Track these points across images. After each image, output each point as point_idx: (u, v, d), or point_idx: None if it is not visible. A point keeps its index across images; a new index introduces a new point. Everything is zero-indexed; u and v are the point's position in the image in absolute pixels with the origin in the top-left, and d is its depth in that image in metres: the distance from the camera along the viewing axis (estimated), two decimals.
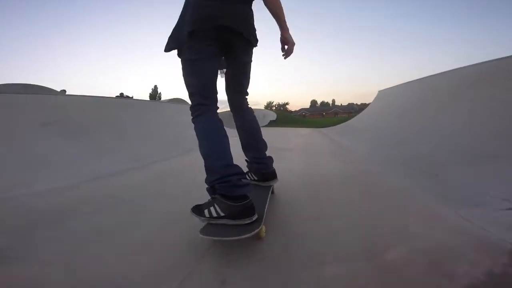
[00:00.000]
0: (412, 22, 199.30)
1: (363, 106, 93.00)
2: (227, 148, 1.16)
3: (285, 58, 1.46)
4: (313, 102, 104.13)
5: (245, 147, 1.55)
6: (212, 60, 1.19)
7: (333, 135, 6.45)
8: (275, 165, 1.61)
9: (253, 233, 0.99)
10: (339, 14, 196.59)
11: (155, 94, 63.71)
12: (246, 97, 1.51)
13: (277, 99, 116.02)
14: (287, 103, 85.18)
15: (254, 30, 1.32)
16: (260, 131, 1.53)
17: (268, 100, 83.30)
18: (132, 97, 10.04)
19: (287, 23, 1.38)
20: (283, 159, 3.07)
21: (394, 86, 6.96)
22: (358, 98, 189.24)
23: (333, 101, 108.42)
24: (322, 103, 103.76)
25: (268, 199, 1.33)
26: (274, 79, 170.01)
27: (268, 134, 2.11)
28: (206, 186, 1.15)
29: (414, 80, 5.90)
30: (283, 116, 19.56)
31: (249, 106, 1.53)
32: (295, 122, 15.62)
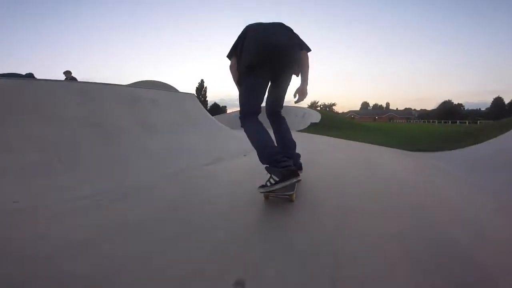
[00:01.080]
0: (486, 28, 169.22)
1: (423, 112, 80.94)
2: (269, 138, 1.62)
3: (295, 102, 1.90)
4: (365, 104, 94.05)
5: (278, 146, 1.87)
6: (263, 85, 1.72)
7: None
8: None
9: (292, 192, 1.53)
10: (395, 12, 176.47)
11: (201, 88, 63.78)
12: (282, 108, 2.01)
13: (323, 99, 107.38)
14: (333, 104, 77.43)
15: (298, 63, 1.80)
16: (290, 135, 1.97)
17: (313, 99, 76.49)
18: (75, 79, 5.92)
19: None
20: None
21: None
22: (416, 103, 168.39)
23: (387, 104, 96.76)
24: (375, 106, 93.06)
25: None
26: (320, 78, 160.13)
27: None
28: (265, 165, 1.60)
29: None
30: (330, 117, 14.45)
31: (282, 115, 2.01)
32: (349, 127, 10.67)
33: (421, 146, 4.47)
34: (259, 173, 1.83)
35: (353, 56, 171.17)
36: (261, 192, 1.55)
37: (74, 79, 6.55)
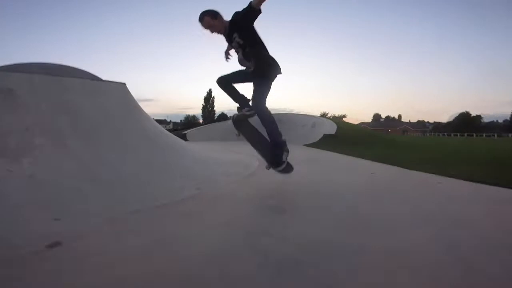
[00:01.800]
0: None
1: (437, 124, 75.07)
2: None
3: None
4: (376, 116, 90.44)
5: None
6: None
7: None
8: None
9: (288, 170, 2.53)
10: (406, 21, 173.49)
11: (209, 98, 62.95)
12: None
13: (332, 111, 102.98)
14: (344, 116, 74.23)
15: None
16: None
17: (322, 110, 73.37)
18: None
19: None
20: None
21: None
22: (428, 115, 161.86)
23: (399, 116, 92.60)
24: (387, 118, 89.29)
25: None
26: (328, 89, 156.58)
27: None
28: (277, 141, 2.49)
29: None
30: (349, 128, 11.84)
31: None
32: (388, 144, 8.19)
33: None
34: None
35: (362, 66, 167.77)
36: (268, 168, 2.50)
37: None
